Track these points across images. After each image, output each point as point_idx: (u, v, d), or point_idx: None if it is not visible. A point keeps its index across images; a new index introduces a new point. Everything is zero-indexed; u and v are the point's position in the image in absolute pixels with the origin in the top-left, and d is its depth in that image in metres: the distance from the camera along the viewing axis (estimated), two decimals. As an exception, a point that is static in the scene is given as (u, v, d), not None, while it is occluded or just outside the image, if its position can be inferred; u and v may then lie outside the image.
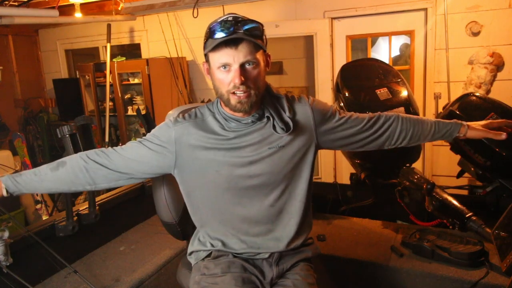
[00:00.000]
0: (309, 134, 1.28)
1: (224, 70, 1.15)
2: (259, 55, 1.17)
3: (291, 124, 1.23)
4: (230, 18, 1.15)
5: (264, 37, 1.19)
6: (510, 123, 1.45)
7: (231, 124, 1.24)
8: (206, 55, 1.20)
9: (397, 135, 1.37)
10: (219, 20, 1.15)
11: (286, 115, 1.24)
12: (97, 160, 1.28)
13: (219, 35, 1.12)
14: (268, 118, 1.23)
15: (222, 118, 1.25)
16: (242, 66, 1.13)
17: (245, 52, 1.13)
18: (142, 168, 1.30)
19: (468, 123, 1.42)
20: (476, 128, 1.41)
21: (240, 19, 1.15)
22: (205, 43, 1.18)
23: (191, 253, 1.42)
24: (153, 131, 1.32)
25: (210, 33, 1.15)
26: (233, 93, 1.15)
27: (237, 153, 1.23)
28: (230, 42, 1.12)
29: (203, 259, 1.35)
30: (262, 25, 1.18)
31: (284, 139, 1.24)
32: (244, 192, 1.26)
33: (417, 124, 1.38)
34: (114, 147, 1.33)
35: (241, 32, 1.12)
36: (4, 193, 1.28)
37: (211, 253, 1.34)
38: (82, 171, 1.27)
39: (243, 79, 1.13)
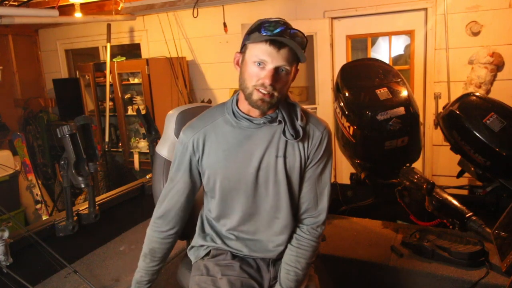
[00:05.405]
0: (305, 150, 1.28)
1: (258, 66, 1.16)
2: (293, 66, 1.19)
3: (301, 132, 1.24)
4: (281, 22, 1.16)
5: (304, 51, 1.19)
6: None
7: (242, 123, 1.25)
8: (243, 46, 1.21)
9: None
10: (271, 19, 1.17)
11: (298, 123, 1.25)
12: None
13: (268, 31, 1.13)
14: (280, 122, 1.24)
15: (233, 117, 1.26)
16: (276, 69, 1.15)
17: (284, 58, 1.14)
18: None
19: None
20: None
21: (290, 25, 1.17)
22: (248, 34, 1.19)
23: (191, 248, 1.43)
24: (175, 152, 1.35)
25: (258, 27, 1.15)
26: (258, 89, 1.17)
27: (243, 154, 1.25)
28: (274, 43, 1.13)
29: (202, 257, 1.37)
30: (307, 40, 1.19)
31: (290, 146, 1.25)
32: (247, 195, 1.27)
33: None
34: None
35: (288, 38, 1.13)
36: None
37: (210, 251, 1.36)
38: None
39: (273, 81, 1.15)
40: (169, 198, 1.34)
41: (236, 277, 1.28)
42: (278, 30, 1.13)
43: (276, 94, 1.17)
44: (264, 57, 1.14)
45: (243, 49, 1.21)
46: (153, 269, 1.39)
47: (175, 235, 1.37)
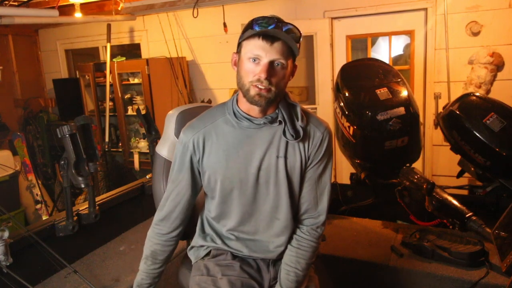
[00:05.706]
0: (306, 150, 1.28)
1: (253, 62, 1.16)
2: (289, 61, 1.18)
3: (301, 132, 1.24)
4: (274, 18, 1.17)
5: (298, 45, 1.19)
6: None
7: (243, 123, 1.25)
8: (239, 45, 1.21)
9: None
10: (264, 16, 1.18)
11: (299, 124, 1.25)
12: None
13: (261, 27, 1.14)
14: (280, 122, 1.24)
15: (234, 117, 1.25)
16: (270, 63, 1.15)
17: (278, 51, 1.14)
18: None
19: None
20: None
21: (283, 21, 1.18)
22: (243, 33, 1.20)
23: (191, 248, 1.43)
24: (175, 152, 1.34)
25: (251, 24, 1.16)
26: (255, 85, 1.16)
27: (244, 155, 1.24)
28: (267, 37, 1.14)
29: (202, 258, 1.37)
30: (301, 34, 1.19)
31: (291, 146, 1.25)
32: (247, 196, 1.27)
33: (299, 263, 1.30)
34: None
35: (280, 32, 1.14)
36: None
37: (210, 251, 1.36)
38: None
39: (268, 75, 1.15)
40: (171, 199, 1.34)
41: (236, 277, 1.28)
42: (270, 25, 1.14)
43: (273, 89, 1.17)
44: (258, 52, 1.14)
45: (238, 48, 1.21)
46: (155, 272, 1.39)
47: (177, 237, 1.37)
